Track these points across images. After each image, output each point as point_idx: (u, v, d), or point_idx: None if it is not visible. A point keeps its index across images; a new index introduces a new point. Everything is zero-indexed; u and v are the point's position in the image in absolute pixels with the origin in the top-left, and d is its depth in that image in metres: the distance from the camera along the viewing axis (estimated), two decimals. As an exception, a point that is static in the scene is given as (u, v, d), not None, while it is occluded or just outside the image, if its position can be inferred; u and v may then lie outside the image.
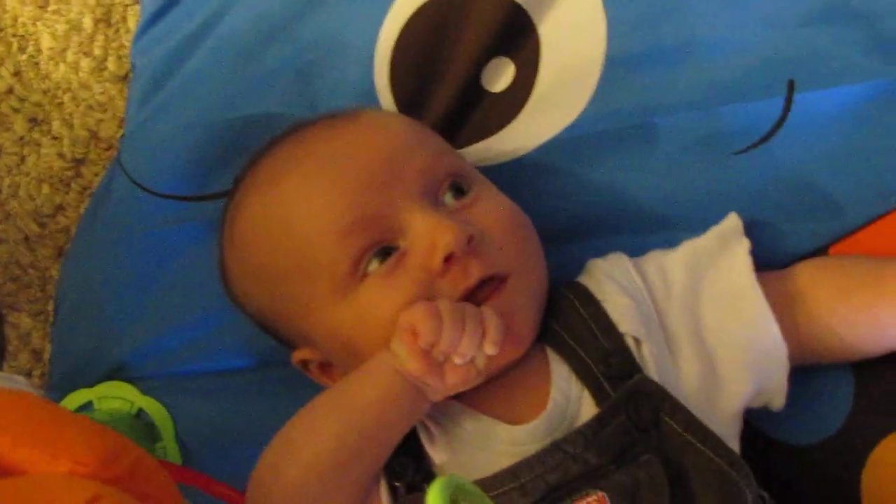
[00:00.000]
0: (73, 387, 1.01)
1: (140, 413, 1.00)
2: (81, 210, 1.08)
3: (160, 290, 1.01)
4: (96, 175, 1.09)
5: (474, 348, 0.76)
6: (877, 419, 0.89)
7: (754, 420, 0.87)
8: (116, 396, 1.00)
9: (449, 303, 0.78)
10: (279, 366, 0.97)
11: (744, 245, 0.86)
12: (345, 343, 0.83)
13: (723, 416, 0.82)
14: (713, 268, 0.86)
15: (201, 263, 0.99)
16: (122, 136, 1.05)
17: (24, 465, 0.67)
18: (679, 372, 0.83)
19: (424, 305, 0.77)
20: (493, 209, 0.86)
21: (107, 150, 1.09)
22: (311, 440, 0.79)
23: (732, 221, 0.88)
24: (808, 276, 0.86)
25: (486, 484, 0.75)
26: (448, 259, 0.80)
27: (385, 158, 0.84)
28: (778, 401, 0.85)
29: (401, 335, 0.77)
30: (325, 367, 0.88)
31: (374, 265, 0.82)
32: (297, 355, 0.89)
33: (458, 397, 0.81)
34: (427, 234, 0.81)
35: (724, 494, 0.77)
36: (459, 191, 0.85)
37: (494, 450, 0.79)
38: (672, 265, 0.87)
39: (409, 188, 0.83)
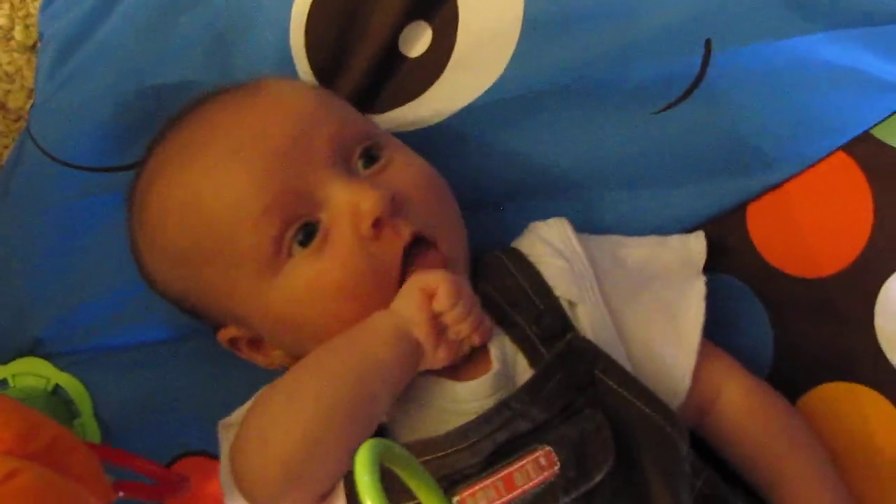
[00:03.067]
0: (-13, 364, 0.99)
1: (57, 389, 0.98)
2: (-9, 183, 1.06)
3: (75, 263, 0.99)
4: (6, 147, 1.06)
5: (472, 329, 0.78)
6: (796, 379, 0.91)
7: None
8: (32, 373, 0.98)
9: (465, 281, 0.79)
10: (198, 337, 0.96)
11: (700, 286, 0.87)
12: (281, 320, 0.82)
13: (669, 371, 0.84)
14: (668, 285, 0.88)
15: (117, 236, 0.96)
16: (32, 106, 1.03)
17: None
18: (621, 333, 0.84)
19: (447, 273, 0.78)
20: (407, 171, 0.85)
21: (16, 121, 1.07)
22: (314, 390, 0.76)
23: (699, 247, 0.90)
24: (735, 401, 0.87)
25: (435, 444, 0.76)
26: (376, 224, 0.79)
27: (292, 134, 0.83)
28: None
29: (413, 293, 0.78)
30: (255, 342, 0.87)
31: (297, 245, 0.81)
32: (225, 334, 0.87)
33: None
34: (348, 202, 0.80)
35: (661, 448, 0.78)
36: (371, 157, 0.85)
37: (441, 407, 0.80)
38: (629, 249, 0.90)
39: (320, 160, 0.82)
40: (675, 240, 0.91)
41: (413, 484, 0.59)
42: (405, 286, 0.79)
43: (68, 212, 0.99)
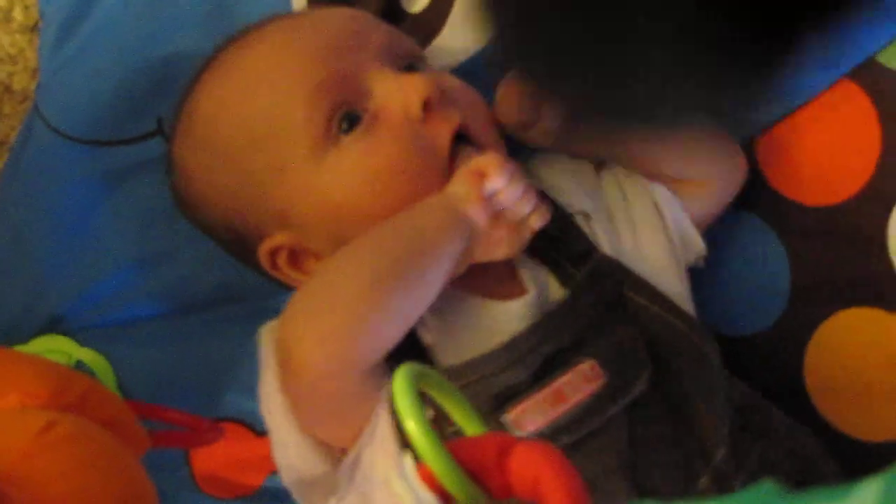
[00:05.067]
0: (8, 344, 0.99)
1: (79, 365, 0.99)
2: (0, 165, 1.06)
3: (90, 237, 1.00)
4: (13, 129, 1.07)
5: (528, 209, 0.79)
6: (814, 306, 0.91)
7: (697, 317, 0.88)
8: (54, 350, 0.99)
9: (516, 166, 0.79)
10: (219, 305, 0.96)
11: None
12: (329, 208, 0.82)
13: (669, 279, 0.84)
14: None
15: (130, 208, 0.98)
16: (38, 85, 1.03)
17: (-27, 405, 0.65)
18: (624, 246, 0.85)
19: (498, 155, 0.79)
20: (451, 79, 0.86)
21: (21, 102, 1.07)
22: (371, 259, 0.75)
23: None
24: None
25: (483, 361, 0.76)
26: (426, 107, 0.80)
27: (351, 29, 0.85)
28: (696, 248, 0.88)
29: (467, 176, 0.78)
30: (296, 257, 0.85)
31: (344, 126, 0.81)
32: (268, 244, 0.85)
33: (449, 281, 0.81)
34: (400, 87, 0.81)
35: (693, 359, 0.80)
36: (415, 69, 0.86)
37: (487, 327, 0.80)
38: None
39: (373, 55, 0.83)
40: None
41: (450, 408, 0.59)
42: (458, 171, 0.79)
43: (80, 187, 1.00)
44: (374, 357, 0.74)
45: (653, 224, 0.86)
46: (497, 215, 0.78)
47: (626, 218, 0.86)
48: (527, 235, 0.80)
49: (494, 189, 0.77)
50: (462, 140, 0.82)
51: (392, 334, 0.74)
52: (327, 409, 0.78)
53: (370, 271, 0.74)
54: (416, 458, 0.52)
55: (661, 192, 0.87)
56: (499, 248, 0.79)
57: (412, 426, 0.52)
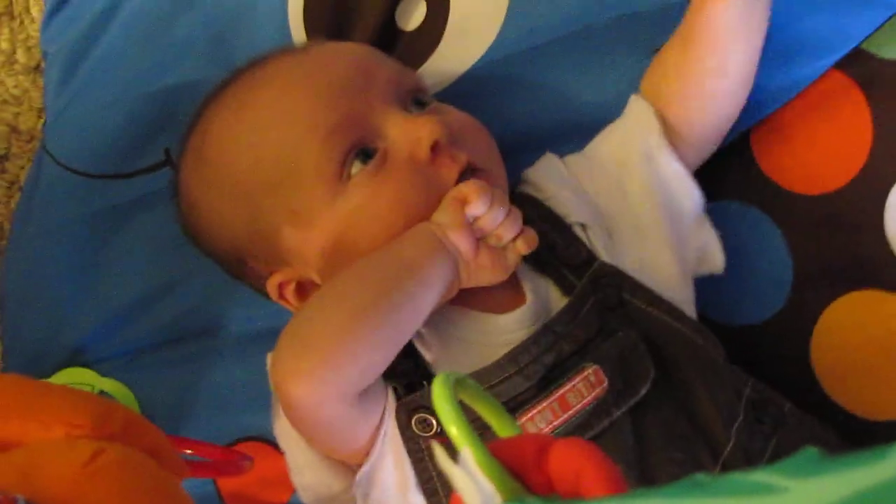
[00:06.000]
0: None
1: (103, 395, 1.00)
2: (12, 206, 1.08)
3: (104, 269, 1.01)
4: (22, 168, 1.08)
5: (512, 234, 0.80)
6: (817, 291, 0.93)
7: (701, 309, 0.90)
8: (77, 382, 1.00)
9: (501, 191, 0.81)
10: (236, 325, 0.98)
11: (648, 110, 0.89)
12: (337, 245, 0.83)
13: (669, 289, 0.85)
14: (629, 138, 0.89)
15: (142, 238, 0.99)
16: (45, 124, 1.05)
17: (19, 439, 0.67)
18: (625, 252, 0.86)
19: (479, 182, 0.80)
20: (456, 114, 0.88)
21: (28, 142, 1.09)
22: (353, 291, 0.77)
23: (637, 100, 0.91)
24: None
25: (487, 373, 0.78)
26: (434, 149, 0.82)
27: (357, 68, 0.86)
28: (715, 261, 0.88)
29: (449, 203, 0.80)
30: (303, 288, 0.87)
31: (356, 166, 0.82)
32: (275, 279, 0.87)
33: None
34: (409, 129, 0.83)
35: (697, 359, 0.81)
36: (422, 103, 0.87)
37: (483, 342, 0.82)
38: (593, 152, 0.91)
39: (380, 95, 0.85)
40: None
41: (485, 413, 0.61)
42: (443, 200, 0.81)
43: (92, 221, 1.02)
44: (362, 383, 0.76)
45: (658, 232, 0.87)
46: (481, 240, 0.80)
47: (630, 227, 0.87)
48: (513, 260, 0.81)
49: (475, 214, 0.79)
50: (469, 175, 0.83)
51: (378, 361, 0.76)
52: (329, 434, 0.80)
53: (351, 303, 0.76)
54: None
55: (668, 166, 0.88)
56: (484, 273, 0.81)
57: (455, 431, 0.54)
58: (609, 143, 0.90)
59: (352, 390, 0.76)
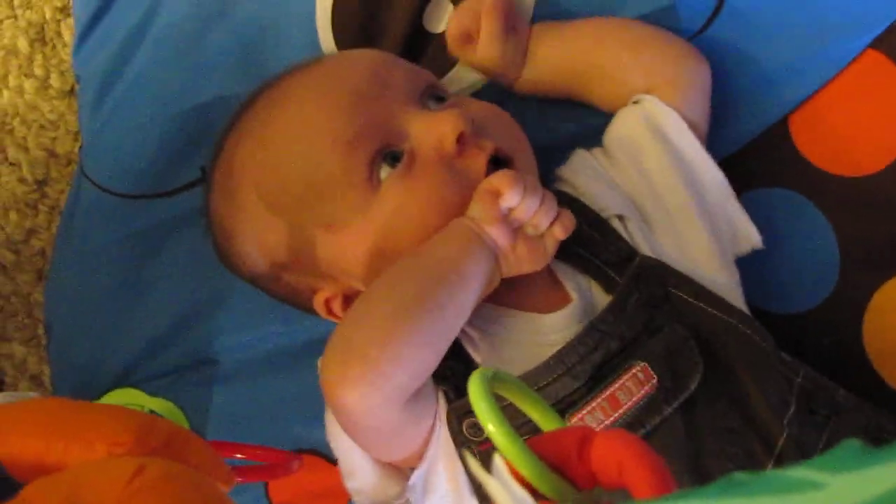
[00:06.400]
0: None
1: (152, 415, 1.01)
2: (53, 230, 1.08)
3: (147, 288, 1.02)
4: (62, 192, 1.09)
5: (548, 221, 0.79)
6: (866, 274, 0.92)
7: (750, 299, 0.89)
8: (126, 403, 1.01)
9: (533, 178, 0.80)
10: (281, 338, 0.98)
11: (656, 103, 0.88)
12: (376, 252, 0.83)
13: (713, 272, 0.84)
14: (633, 120, 0.89)
15: (182, 256, 1.00)
16: (81, 147, 1.06)
17: (63, 460, 0.67)
18: (663, 241, 0.85)
19: (511, 172, 0.79)
20: (477, 104, 0.88)
21: (66, 166, 1.09)
22: (395, 293, 0.77)
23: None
24: None
25: (535, 375, 0.78)
26: (459, 141, 0.81)
27: (371, 74, 0.86)
28: (750, 238, 0.87)
29: (482, 196, 0.79)
30: (349, 301, 0.86)
31: (385, 171, 0.82)
32: (320, 297, 0.87)
33: (492, 300, 0.82)
34: (432, 126, 0.83)
35: (746, 351, 0.80)
36: (439, 98, 0.87)
37: (534, 341, 0.81)
38: (606, 141, 0.91)
39: (399, 96, 0.85)
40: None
41: (526, 407, 0.60)
42: (475, 193, 0.80)
43: (132, 242, 1.02)
44: (412, 386, 0.75)
45: (686, 209, 0.86)
46: (518, 231, 0.79)
47: (662, 211, 0.87)
48: (552, 247, 0.81)
49: (510, 205, 0.78)
50: (499, 163, 0.83)
51: (426, 361, 0.76)
52: (381, 439, 0.79)
53: (394, 305, 0.76)
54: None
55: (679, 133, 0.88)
56: (524, 262, 0.80)
57: (493, 428, 0.54)
58: (617, 128, 0.90)
59: (401, 394, 0.75)
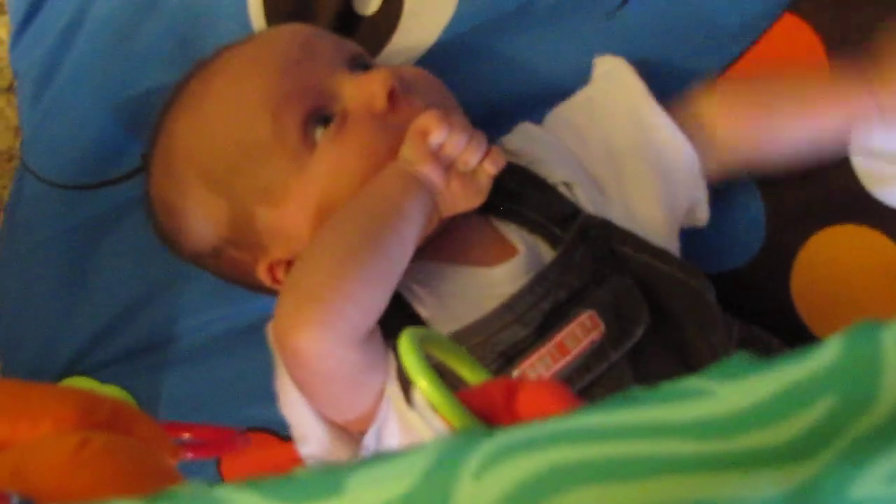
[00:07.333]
0: (32, 391, 1.02)
1: (103, 401, 1.01)
2: (-1, 225, 1.09)
3: (93, 278, 1.03)
4: (3, 188, 1.10)
5: (478, 156, 0.81)
6: (793, 229, 0.94)
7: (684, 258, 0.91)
8: (78, 391, 1.01)
9: (461, 117, 0.83)
10: (229, 320, 1.00)
11: (627, 70, 0.90)
12: (318, 213, 0.84)
13: (658, 235, 0.86)
14: (610, 99, 0.90)
15: (127, 244, 1.01)
16: (22, 141, 1.07)
17: (9, 438, 0.68)
18: (614, 207, 0.87)
19: (437, 111, 0.82)
20: (406, 68, 0.90)
21: (8, 161, 1.10)
22: (340, 235, 0.79)
23: (608, 61, 0.92)
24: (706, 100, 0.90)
25: (485, 323, 0.79)
26: (390, 98, 0.84)
27: (297, 42, 0.88)
28: (701, 215, 0.89)
29: (411, 137, 0.81)
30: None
31: (319, 133, 0.84)
32: (264, 263, 0.88)
33: (435, 256, 0.84)
34: (363, 85, 0.85)
35: (689, 301, 0.83)
36: (367, 67, 0.89)
37: (481, 294, 0.82)
38: (570, 112, 0.92)
39: (327, 62, 0.87)
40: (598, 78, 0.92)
41: (456, 365, 0.62)
42: (406, 136, 0.82)
43: (77, 232, 1.03)
44: (364, 324, 0.77)
45: (646, 187, 0.88)
46: (450, 168, 0.81)
47: (614, 178, 0.88)
48: (485, 182, 0.83)
49: (438, 142, 0.81)
50: None
51: (376, 299, 0.77)
52: (335, 391, 0.81)
53: (340, 247, 0.77)
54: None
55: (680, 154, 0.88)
56: (459, 199, 0.82)
57: (423, 382, 0.55)
58: (590, 104, 0.92)
59: (354, 333, 0.77)
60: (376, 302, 0.78)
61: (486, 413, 0.57)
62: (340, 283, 0.75)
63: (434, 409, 0.56)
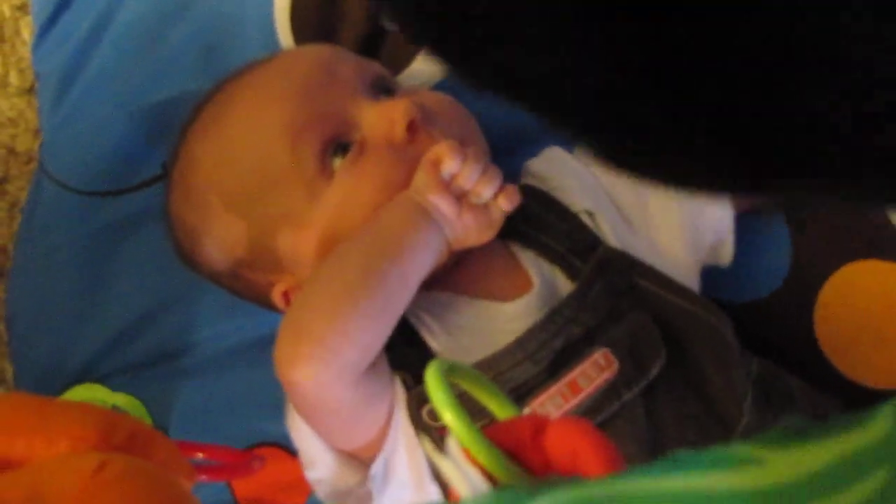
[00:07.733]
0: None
1: (115, 410, 1.01)
2: (14, 227, 1.09)
3: (108, 285, 1.02)
4: (21, 190, 1.09)
5: (491, 189, 0.80)
6: (819, 262, 0.93)
7: (704, 289, 0.90)
8: (88, 398, 1.01)
9: (478, 148, 0.81)
10: (243, 333, 0.99)
11: None
12: (330, 240, 0.83)
13: (678, 271, 0.85)
14: None
15: (144, 252, 1.00)
16: (41, 144, 1.06)
17: (26, 456, 0.67)
18: (638, 239, 0.86)
19: (450, 141, 0.80)
20: (428, 94, 0.89)
21: (27, 163, 1.09)
22: (339, 270, 0.77)
23: None
24: None
25: (496, 360, 0.78)
26: (410, 129, 0.82)
27: (319, 67, 0.86)
28: (725, 254, 0.88)
29: (424, 166, 0.80)
30: None
31: (338, 161, 0.83)
32: (278, 289, 0.87)
33: (447, 287, 0.83)
34: (383, 114, 0.83)
35: (707, 339, 0.81)
36: (389, 90, 0.88)
37: (492, 329, 0.82)
38: None
39: (346, 89, 0.85)
40: None
41: (482, 397, 0.61)
42: (419, 165, 0.81)
43: (94, 239, 1.03)
44: (362, 361, 0.76)
45: (670, 223, 0.87)
46: (462, 199, 0.80)
47: (640, 208, 0.87)
48: (497, 217, 0.81)
49: (450, 172, 0.79)
50: None
51: (373, 335, 0.76)
52: (337, 422, 0.80)
53: (339, 282, 0.76)
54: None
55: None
56: (471, 232, 0.81)
57: (449, 417, 0.54)
58: None
59: (352, 370, 0.76)
60: (374, 339, 0.77)
61: (512, 449, 0.56)
62: (335, 319, 0.74)
63: (460, 443, 0.55)
